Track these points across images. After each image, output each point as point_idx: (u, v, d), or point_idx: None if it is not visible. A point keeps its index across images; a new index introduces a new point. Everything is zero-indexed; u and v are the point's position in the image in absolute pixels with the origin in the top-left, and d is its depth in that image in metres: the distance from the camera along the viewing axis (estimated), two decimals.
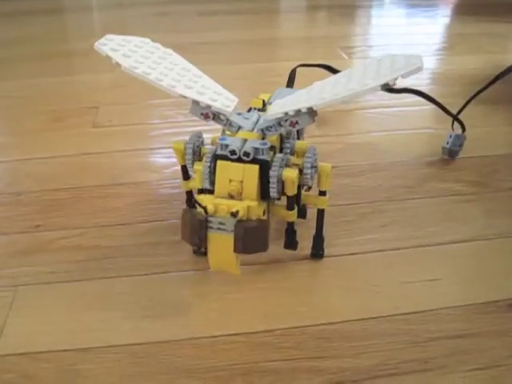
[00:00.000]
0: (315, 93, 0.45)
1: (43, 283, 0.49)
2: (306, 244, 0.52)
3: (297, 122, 0.44)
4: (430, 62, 1.04)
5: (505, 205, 0.59)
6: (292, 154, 0.49)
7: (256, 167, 0.44)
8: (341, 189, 0.62)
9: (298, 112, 0.43)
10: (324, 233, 0.51)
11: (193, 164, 0.48)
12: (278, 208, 0.48)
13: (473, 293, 0.48)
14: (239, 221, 0.41)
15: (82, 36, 1.24)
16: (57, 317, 0.46)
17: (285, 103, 0.45)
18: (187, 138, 0.49)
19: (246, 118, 0.49)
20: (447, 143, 0.67)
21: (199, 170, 0.47)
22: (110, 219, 0.57)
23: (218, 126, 0.48)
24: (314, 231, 0.51)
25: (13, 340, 0.44)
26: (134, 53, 0.48)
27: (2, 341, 0.44)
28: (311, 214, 0.53)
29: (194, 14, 1.41)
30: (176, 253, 0.52)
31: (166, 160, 0.69)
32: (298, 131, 0.54)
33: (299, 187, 0.49)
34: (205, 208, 0.41)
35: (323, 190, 0.49)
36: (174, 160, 0.66)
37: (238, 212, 0.41)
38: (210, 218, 0.42)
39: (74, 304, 0.47)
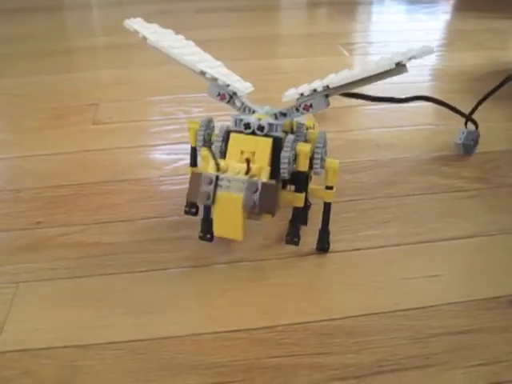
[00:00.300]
0: (330, 78, 0.45)
1: (44, 280, 0.49)
2: (307, 239, 0.52)
3: (311, 106, 0.45)
4: (430, 59, 1.04)
5: (506, 201, 0.59)
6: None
7: (270, 140, 0.45)
8: (342, 185, 0.62)
9: (314, 92, 0.44)
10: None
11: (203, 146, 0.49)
12: (286, 193, 0.49)
13: (474, 289, 0.47)
14: (252, 178, 0.42)
15: (82, 34, 1.24)
16: (57, 313, 0.46)
17: (300, 88, 0.46)
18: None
19: (261, 107, 0.50)
20: (460, 139, 0.67)
21: (206, 156, 0.47)
22: (111, 216, 0.57)
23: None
24: (316, 227, 0.51)
25: (13, 336, 0.44)
26: (160, 34, 0.50)
27: (3, 337, 0.43)
28: (315, 212, 0.53)
29: (193, 11, 1.41)
30: (177, 249, 0.52)
31: (167, 157, 0.68)
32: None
33: (307, 178, 0.49)
34: (217, 163, 0.41)
35: (330, 185, 0.49)
36: (175, 157, 0.66)
37: (251, 169, 0.41)
38: (220, 176, 0.42)
39: (75, 300, 0.47)
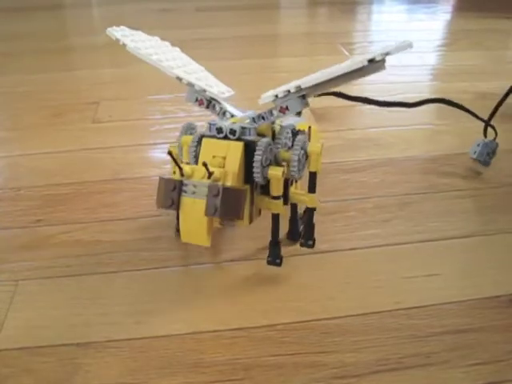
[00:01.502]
0: (306, 78, 0.44)
1: (44, 278, 0.49)
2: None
3: (287, 108, 0.43)
4: (431, 58, 1.04)
5: (505, 200, 0.59)
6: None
7: (240, 144, 0.43)
8: (342, 184, 0.62)
9: (288, 94, 0.42)
10: (324, 227, 0.51)
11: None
12: (263, 198, 0.47)
13: (474, 288, 0.47)
14: (214, 182, 0.40)
15: (82, 32, 1.23)
16: (57, 311, 0.46)
17: (276, 89, 0.45)
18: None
19: (242, 112, 0.49)
20: (474, 153, 0.65)
21: (186, 142, 0.47)
22: (111, 214, 0.57)
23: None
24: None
25: (13, 334, 0.44)
26: (142, 42, 0.50)
27: (3, 335, 0.43)
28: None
29: (193, 9, 1.41)
30: (177, 247, 0.52)
31: (167, 155, 0.68)
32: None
33: (287, 182, 0.47)
34: (181, 169, 0.40)
35: (313, 171, 0.47)
36: None
37: (213, 172, 0.40)
38: (185, 181, 0.41)
39: (75, 298, 0.47)
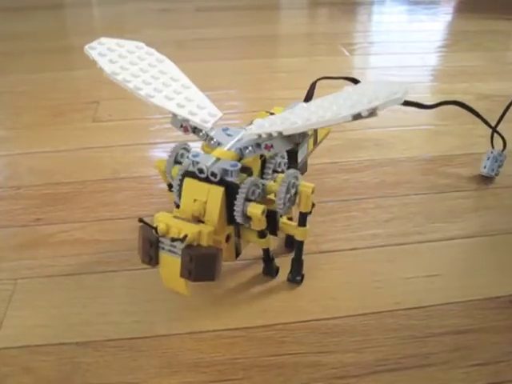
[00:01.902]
0: (294, 115, 0.42)
1: (43, 276, 0.49)
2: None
3: (272, 146, 0.42)
4: (432, 59, 1.04)
5: (506, 201, 0.59)
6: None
7: (221, 189, 0.42)
8: (343, 184, 0.62)
9: (270, 136, 0.41)
10: (324, 227, 0.51)
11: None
12: (251, 233, 0.46)
13: (474, 288, 0.47)
14: (188, 246, 0.39)
15: (82, 31, 1.23)
16: (57, 310, 0.46)
17: (263, 124, 0.43)
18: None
19: (229, 135, 0.47)
20: (484, 167, 0.63)
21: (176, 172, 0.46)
22: (111, 213, 0.57)
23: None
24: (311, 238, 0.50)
25: (12, 333, 0.44)
26: (123, 58, 0.48)
27: (2, 333, 0.43)
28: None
29: (193, 9, 1.41)
30: None
31: (167, 155, 0.68)
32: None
33: (275, 216, 0.46)
34: (155, 228, 0.39)
35: (303, 211, 0.45)
36: None
37: (185, 237, 0.39)
38: (161, 238, 0.40)
39: (74, 297, 0.47)
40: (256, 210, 0.42)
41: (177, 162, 0.48)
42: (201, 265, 0.39)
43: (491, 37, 1.15)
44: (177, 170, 0.46)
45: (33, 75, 0.96)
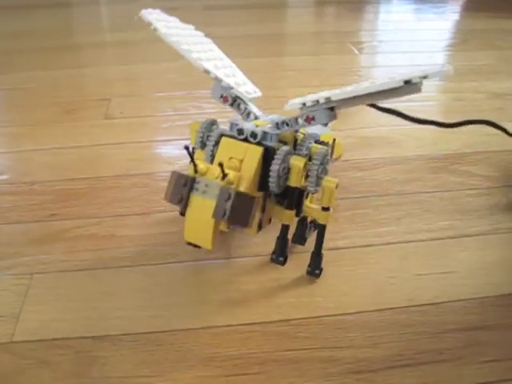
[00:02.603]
0: (338, 90, 0.42)
1: (59, 271, 0.50)
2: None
3: (313, 118, 0.41)
4: (440, 58, 1.04)
5: None
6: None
7: (260, 149, 0.42)
8: (355, 181, 0.62)
9: (316, 104, 0.41)
10: (338, 224, 0.51)
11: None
12: (276, 207, 0.46)
13: (487, 285, 0.48)
14: (227, 184, 0.39)
15: (91, 30, 1.24)
16: (73, 304, 0.46)
17: (305, 97, 0.43)
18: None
19: (266, 116, 0.48)
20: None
21: (195, 128, 0.46)
22: (125, 209, 0.58)
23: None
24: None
25: (29, 327, 0.44)
26: (176, 29, 0.49)
27: (19, 327, 0.44)
28: None
29: (201, 8, 1.41)
30: None
31: (179, 151, 0.69)
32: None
33: (302, 194, 0.46)
34: (196, 165, 0.39)
35: (326, 206, 0.46)
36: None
37: (227, 175, 0.39)
38: (197, 179, 0.40)
39: (90, 292, 0.47)
40: (298, 161, 0.42)
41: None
42: (238, 205, 0.39)
43: (500, 35, 1.14)
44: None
45: (43, 72, 0.96)
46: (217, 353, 0.42)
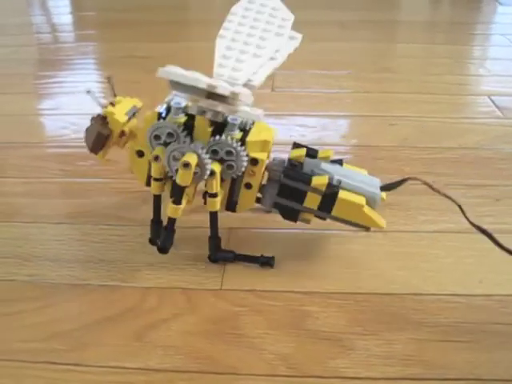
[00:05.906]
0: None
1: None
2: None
3: None
4: None
5: None
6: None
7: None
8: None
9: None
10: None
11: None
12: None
13: None
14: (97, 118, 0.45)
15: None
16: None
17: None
18: None
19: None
20: None
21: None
22: None
23: None
24: None
25: (233, 277, 0.47)
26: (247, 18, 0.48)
27: (226, 277, 0.47)
28: None
29: None
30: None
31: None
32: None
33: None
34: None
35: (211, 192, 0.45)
36: None
37: (110, 104, 0.45)
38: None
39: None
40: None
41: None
42: (90, 130, 0.45)
43: None
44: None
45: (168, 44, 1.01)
46: (424, 318, 0.43)
